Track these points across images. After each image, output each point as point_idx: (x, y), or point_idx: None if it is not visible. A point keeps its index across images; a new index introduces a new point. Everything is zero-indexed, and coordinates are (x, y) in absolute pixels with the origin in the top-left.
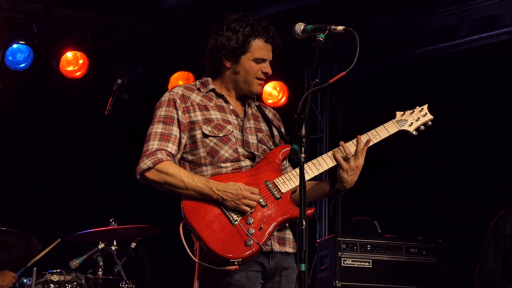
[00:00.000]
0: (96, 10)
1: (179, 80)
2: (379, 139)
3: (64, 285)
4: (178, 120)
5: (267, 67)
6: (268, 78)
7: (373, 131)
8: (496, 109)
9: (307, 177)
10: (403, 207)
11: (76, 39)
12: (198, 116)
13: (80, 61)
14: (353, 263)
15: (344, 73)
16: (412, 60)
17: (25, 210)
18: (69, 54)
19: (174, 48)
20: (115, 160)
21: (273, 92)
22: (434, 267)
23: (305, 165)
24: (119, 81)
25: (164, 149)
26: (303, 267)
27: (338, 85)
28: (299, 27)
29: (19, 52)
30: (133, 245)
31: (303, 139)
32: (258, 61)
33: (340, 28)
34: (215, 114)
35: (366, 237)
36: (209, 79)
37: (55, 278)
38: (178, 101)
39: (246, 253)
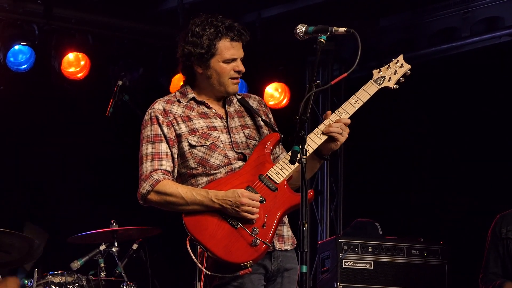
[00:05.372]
0: (98, 11)
1: (180, 81)
2: (361, 103)
3: (65, 286)
4: (165, 136)
5: (239, 65)
6: (270, 80)
7: (353, 96)
8: (498, 110)
9: (310, 150)
10: (405, 209)
11: (78, 40)
12: (182, 128)
13: (82, 62)
14: (354, 264)
15: (345, 74)
16: (414, 62)
17: (26, 211)
18: (70, 55)
19: (176, 50)
20: (116, 161)
21: (275, 93)
22: (436, 268)
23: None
24: (120, 82)
25: (158, 169)
26: (304, 268)
27: (340, 86)
28: (301, 28)
29: (20, 53)
30: (134, 246)
31: (305, 141)
32: (228, 61)
33: (341, 29)
34: (199, 123)
35: (368, 238)
36: (188, 87)
37: (56, 279)
38: (161, 117)
39: (254, 254)
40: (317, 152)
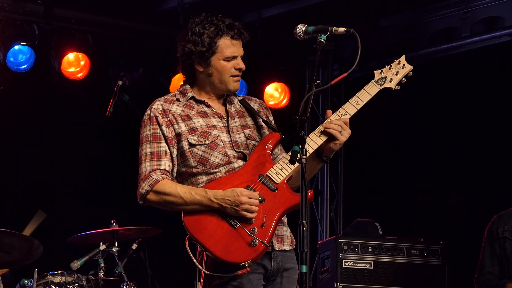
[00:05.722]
0: (98, 11)
1: (180, 81)
2: (362, 104)
3: (65, 286)
4: (164, 136)
5: (239, 63)
6: (270, 80)
7: (354, 97)
8: (498, 110)
9: (310, 150)
10: (405, 209)
11: (78, 40)
12: (182, 127)
13: (82, 62)
14: (354, 264)
15: (345, 74)
16: (414, 62)
17: (27, 211)
18: (70, 55)
19: (176, 49)
20: (116, 161)
21: (275, 93)
22: (435, 268)
23: (307, 138)
24: (120, 82)
25: (157, 169)
26: (304, 268)
27: (340, 86)
28: (301, 28)
29: (20, 54)
30: (134, 246)
31: (305, 141)
32: (229, 59)
33: (341, 29)
34: (198, 122)
35: (368, 238)
36: (188, 86)
37: (56, 279)
38: (160, 116)
39: (253, 254)
40: (318, 153)
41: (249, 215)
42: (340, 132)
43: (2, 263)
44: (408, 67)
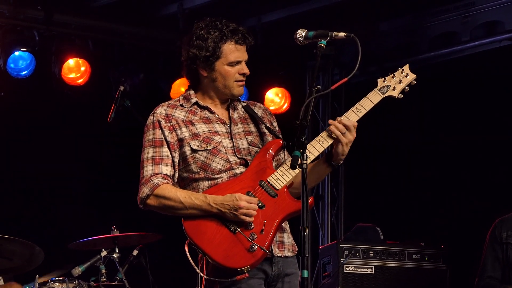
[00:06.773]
0: (98, 17)
1: (181, 86)
2: (364, 112)
3: None
4: (167, 141)
5: (243, 68)
6: (270, 85)
7: (357, 105)
8: (498, 114)
9: (311, 157)
10: (406, 213)
11: (78, 46)
12: (184, 132)
13: (82, 68)
14: (355, 269)
15: (346, 79)
16: (414, 66)
17: (28, 218)
18: (71, 61)
19: (176, 55)
20: (117, 167)
21: (275, 98)
22: (437, 273)
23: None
24: (122, 88)
25: (158, 173)
26: (305, 273)
27: (340, 91)
28: (301, 33)
29: (21, 59)
30: (135, 252)
31: (306, 145)
32: (233, 64)
33: (341, 34)
34: (201, 128)
35: (369, 243)
36: (192, 92)
37: (57, 286)
38: (163, 121)
39: (252, 260)
40: (329, 158)
41: (247, 219)
42: (343, 134)
43: (4, 270)
44: (412, 76)
